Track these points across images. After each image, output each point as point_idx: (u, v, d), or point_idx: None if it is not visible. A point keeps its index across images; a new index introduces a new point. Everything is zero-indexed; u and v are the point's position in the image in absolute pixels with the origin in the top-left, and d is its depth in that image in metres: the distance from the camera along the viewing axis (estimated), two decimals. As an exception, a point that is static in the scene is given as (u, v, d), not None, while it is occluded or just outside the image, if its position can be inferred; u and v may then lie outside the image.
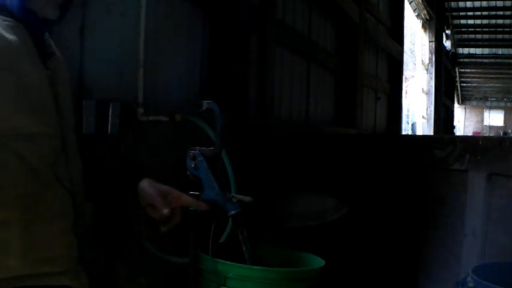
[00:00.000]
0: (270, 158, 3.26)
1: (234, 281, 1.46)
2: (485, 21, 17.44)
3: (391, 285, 3.01)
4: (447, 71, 16.17)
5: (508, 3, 15.10)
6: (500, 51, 20.81)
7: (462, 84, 26.94)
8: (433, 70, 12.95)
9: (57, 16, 1.21)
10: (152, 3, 2.50)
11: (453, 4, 15.80)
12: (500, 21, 17.16)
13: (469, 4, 15.89)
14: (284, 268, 1.67)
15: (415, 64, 16.08)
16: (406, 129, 14.86)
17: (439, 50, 13.20)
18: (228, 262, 1.49)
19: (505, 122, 30.74)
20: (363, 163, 3.26)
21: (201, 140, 1.95)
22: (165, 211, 1.30)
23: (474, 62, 21.83)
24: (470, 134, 28.20)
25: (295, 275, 1.55)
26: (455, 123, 20.50)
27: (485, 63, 22.04)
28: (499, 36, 18.85)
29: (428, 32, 13.04)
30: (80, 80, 2.15)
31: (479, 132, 29.59)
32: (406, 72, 12.99)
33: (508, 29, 17.67)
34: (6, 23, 1.10)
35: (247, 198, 1.54)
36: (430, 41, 13.06)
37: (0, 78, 1.03)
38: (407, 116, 16.40)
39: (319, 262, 1.65)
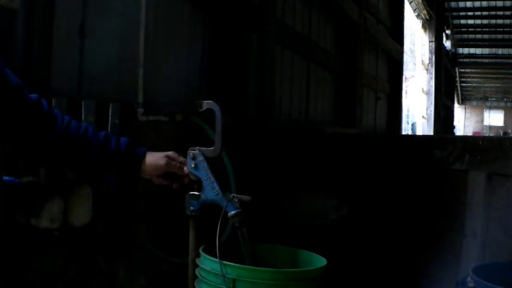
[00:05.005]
0: (269, 158, 3.26)
1: (243, 284, 1.45)
2: (485, 21, 17.43)
3: (391, 284, 3.01)
4: (447, 71, 16.17)
5: (508, 3, 15.10)
6: (500, 51, 20.79)
7: (462, 84, 26.92)
8: (433, 70, 12.94)
9: None
10: (152, 3, 2.50)
11: (453, 4, 15.79)
12: (500, 21, 17.14)
13: (469, 4, 15.88)
14: (292, 269, 1.67)
15: (415, 64, 16.07)
16: (406, 129, 14.85)
17: (439, 50, 13.19)
18: (238, 265, 1.48)
19: (505, 122, 30.70)
20: (363, 163, 3.25)
21: (201, 140, 1.95)
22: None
23: (474, 62, 21.81)
24: (470, 134, 28.18)
25: (304, 275, 1.54)
26: (455, 123, 20.49)
27: (485, 63, 22.02)
28: (499, 36, 18.83)
29: (428, 32, 13.04)
30: (80, 80, 2.15)
31: (479, 132, 29.56)
32: (406, 72, 12.99)
33: (508, 29, 17.65)
34: None
35: (247, 198, 1.54)
36: (430, 41, 13.06)
37: None
38: (407, 116, 16.39)
39: (321, 261, 1.64)
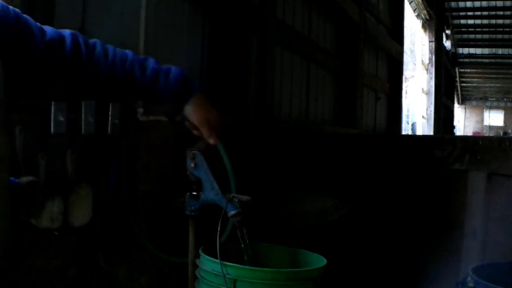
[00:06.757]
0: (269, 157, 3.26)
1: (244, 284, 1.45)
2: (485, 21, 17.44)
3: (391, 284, 3.01)
4: (447, 71, 16.16)
5: (508, 3, 15.10)
6: (500, 51, 20.79)
7: (462, 84, 26.92)
8: (433, 70, 12.94)
9: None
10: (152, 3, 2.50)
11: (453, 4, 15.79)
12: (500, 21, 17.15)
13: (469, 4, 15.88)
14: (292, 268, 1.67)
15: (415, 64, 16.06)
16: (406, 129, 14.83)
17: (439, 50, 13.19)
18: (239, 265, 1.48)
19: (505, 122, 30.70)
20: (363, 163, 3.25)
21: (201, 140, 1.95)
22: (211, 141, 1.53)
23: (474, 62, 21.81)
24: (470, 134, 28.17)
25: (304, 274, 1.54)
26: (455, 123, 20.49)
27: (485, 63, 22.02)
28: (499, 36, 18.84)
29: (428, 32, 13.04)
30: (80, 80, 2.15)
31: (479, 132, 29.55)
32: (406, 72, 12.98)
33: (508, 29, 17.66)
34: None
35: (246, 198, 1.54)
36: (430, 41, 13.06)
37: None
38: (407, 116, 16.37)
39: (320, 260, 1.64)
